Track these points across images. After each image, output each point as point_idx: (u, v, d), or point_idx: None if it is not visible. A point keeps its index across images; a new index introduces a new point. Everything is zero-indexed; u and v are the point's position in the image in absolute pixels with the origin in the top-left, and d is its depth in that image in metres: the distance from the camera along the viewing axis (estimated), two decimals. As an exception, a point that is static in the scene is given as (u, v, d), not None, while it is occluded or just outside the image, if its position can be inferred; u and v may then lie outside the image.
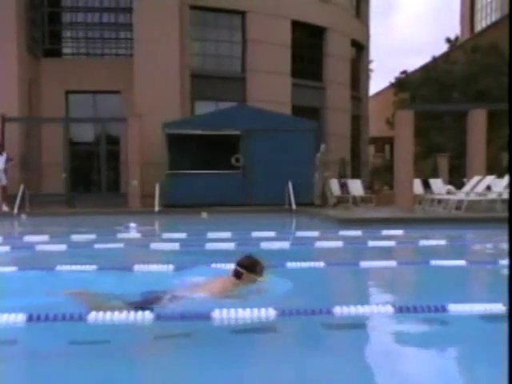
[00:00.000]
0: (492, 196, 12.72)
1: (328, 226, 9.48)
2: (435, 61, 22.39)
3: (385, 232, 8.06)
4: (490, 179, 13.95)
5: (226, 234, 7.88)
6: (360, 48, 28.48)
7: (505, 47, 23.39)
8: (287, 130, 16.35)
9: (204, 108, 21.97)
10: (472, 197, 13.24)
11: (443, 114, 20.24)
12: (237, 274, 3.92)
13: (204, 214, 13.95)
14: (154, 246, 7.06)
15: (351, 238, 7.55)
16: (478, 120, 16.56)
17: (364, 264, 5.16)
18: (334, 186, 18.02)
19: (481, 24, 40.12)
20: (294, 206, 14.29)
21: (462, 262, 5.25)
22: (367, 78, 30.11)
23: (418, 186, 18.01)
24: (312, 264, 5.09)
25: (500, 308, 3.13)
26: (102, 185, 17.54)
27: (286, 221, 11.45)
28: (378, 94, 39.65)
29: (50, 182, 19.34)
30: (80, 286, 4.01)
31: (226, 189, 16.20)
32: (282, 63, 23.96)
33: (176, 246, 6.80)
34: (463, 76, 20.15)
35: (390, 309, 3.33)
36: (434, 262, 5.10)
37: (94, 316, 3.13)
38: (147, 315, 3.15)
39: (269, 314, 3.18)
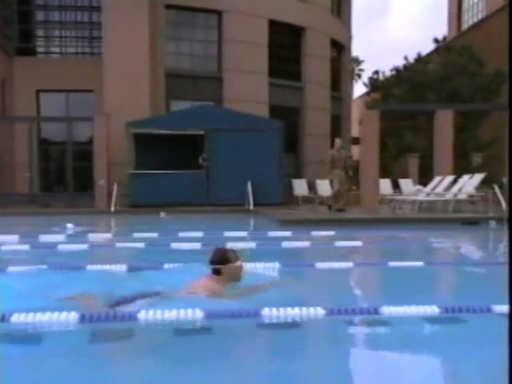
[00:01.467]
0: (449, 197, 12.63)
1: (267, 226, 9.40)
2: (407, 61, 22.33)
3: (314, 233, 7.99)
4: (449, 179, 13.87)
5: (154, 234, 7.81)
6: (341, 48, 28.38)
7: (478, 48, 23.34)
8: (251, 129, 16.28)
9: (180, 108, 21.89)
10: (431, 197, 13.17)
11: (414, 114, 20.16)
12: (215, 272, 3.87)
13: (162, 214, 13.88)
14: (61, 247, 6.87)
15: (274, 238, 7.48)
16: (445, 120, 16.47)
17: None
18: (302, 185, 17.96)
19: (468, 24, 40.04)
20: (251, 207, 14.21)
21: (349, 264, 5.15)
22: (349, 77, 30.03)
23: (387, 186, 17.96)
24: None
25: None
26: (69, 185, 17.46)
27: (229, 221, 11.38)
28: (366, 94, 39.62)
29: (21, 182, 19.28)
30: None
31: (190, 189, 16.13)
32: (259, 63, 23.88)
33: (85, 247, 6.71)
34: (436, 76, 20.08)
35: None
36: (320, 265, 5.01)
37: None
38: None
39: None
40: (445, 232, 9.20)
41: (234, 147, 16.15)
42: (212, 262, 3.88)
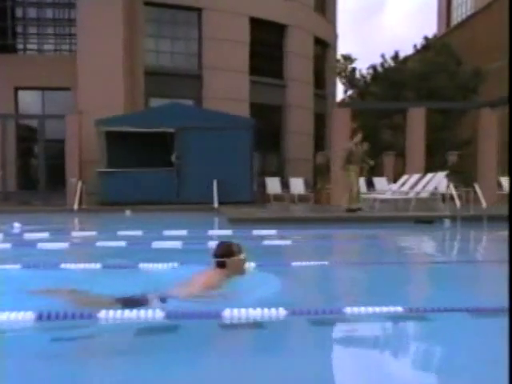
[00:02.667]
0: (411, 195, 12.58)
1: (216, 225, 9.34)
2: (384, 59, 22.24)
3: (256, 232, 7.93)
4: (416, 177, 13.80)
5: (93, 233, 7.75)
6: (325, 46, 28.28)
7: (458, 47, 23.26)
8: (222, 127, 16.20)
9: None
10: (396, 195, 13.11)
11: (390, 112, 20.09)
12: (220, 265, 3.92)
13: (128, 212, 13.83)
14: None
15: (210, 237, 7.43)
16: (417, 118, 16.40)
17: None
18: (275, 184, 17.91)
19: (457, 22, 39.93)
20: (215, 205, 14.15)
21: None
22: (334, 76, 29.90)
23: (361, 185, 17.88)
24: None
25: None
26: (42, 183, 17.42)
27: (183, 220, 11.30)
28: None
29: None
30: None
31: (160, 187, 16.08)
32: (240, 61, 23.82)
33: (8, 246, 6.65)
34: (414, 74, 20.01)
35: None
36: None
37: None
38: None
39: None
40: (393, 231, 9.14)
41: (205, 145, 16.09)
42: (216, 256, 3.94)
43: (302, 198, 17.14)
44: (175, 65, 23.48)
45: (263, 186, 17.89)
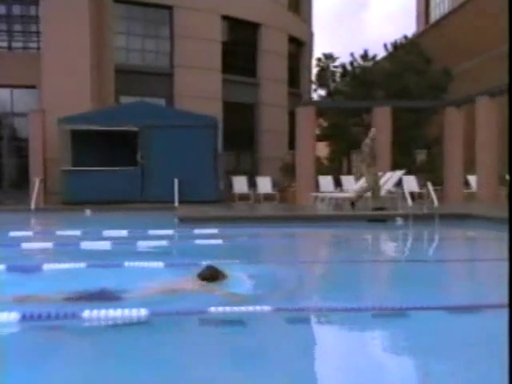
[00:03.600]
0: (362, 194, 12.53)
1: (165, 224, 9.22)
2: (353, 57, 22.23)
3: (197, 231, 7.84)
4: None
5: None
6: (300, 45, 28.22)
7: (428, 47, 23.32)
8: (186, 126, 16.08)
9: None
10: (346, 194, 13.11)
11: (360, 111, 20.07)
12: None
13: (88, 212, 13.67)
14: None
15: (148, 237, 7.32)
16: (382, 117, 16.40)
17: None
18: (242, 183, 17.81)
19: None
20: (176, 204, 14.03)
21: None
22: (310, 74, 29.86)
23: (329, 184, 17.87)
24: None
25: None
26: (4, 182, 17.18)
27: (134, 220, 11.18)
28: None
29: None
30: None
31: (125, 186, 15.92)
32: (212, 59, 23.67)
33: None
34: (383, 73, 20.00)
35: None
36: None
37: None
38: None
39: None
40: (340, 229, 9.09)
41: (169, 144, 15.95)
42: (201, 277, 4.06)
43: (268, 197, 17.06)
44: (146, 63, 23.29)
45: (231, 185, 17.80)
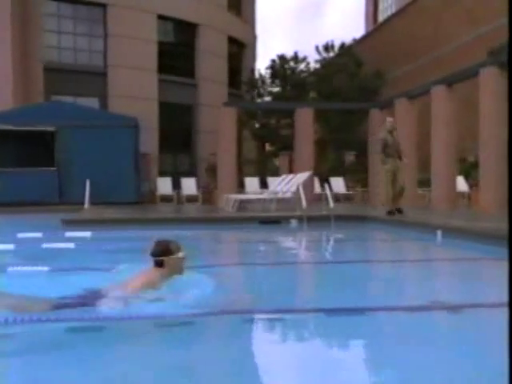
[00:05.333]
0: (264, 196, 12.53)
1: (49, 226, 8.95)
2: (281, 59, 22.28)
3: (69, 234, 7.60)
4: (290, 177, 13.76)
5: None
6: (242, 46, 28.15)
7: (363, 51, 23.59)
8: (105, 126, 15.78)
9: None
10: (249, 196, 13.09)
11: (291, 112, 20.11)
12: (158, 264, 3.81)
13: (-6, 214, 13.22)
14: None
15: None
16: (304, 119, 16.40)
17: None
18: (166, 184, 17.59)
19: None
20: (86, 206, 13.71)
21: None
22: (254, 76, 29.80)
23: (254, 184, 17.79)
24: None
25: None
26: None
27: (27, 222, 10.86)
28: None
29: None
30: None
31: (41, 187, 15.49)
32: (147, 59, 23.39)
33: None
34: (314, 75, 20.09)
35: None
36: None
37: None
38: None
39: None
40: (229, 231, 9.00)
41: (87, 144, 15.61)
42: (153, 255, 3.82)
43: (191, 199, 16.89)
44: (79, 62, 22.84)
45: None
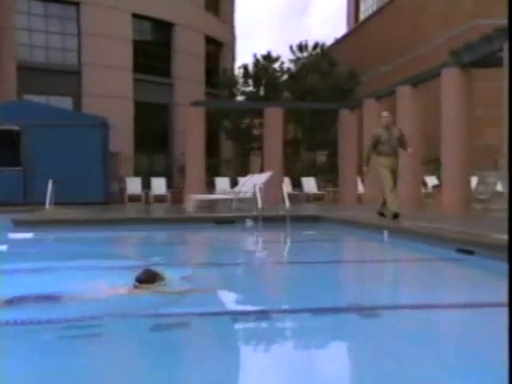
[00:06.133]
0: (225, 196, 12.49)
1: (1, 227, 8.84)
2: (255, 58, 22.26)
3: (12, 235, 7.51)
4: (254, 177, 13.72)
5: None
6: (219, 46, 28.04)
7: (338, 51, 23.62)
8: (71, 125, 15.64)
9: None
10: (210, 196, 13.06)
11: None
12: (136, 287, 4.06)
13: None
14: None
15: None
16: (273, 118, 16.37)
17: None
18: (136, 184, 17.49)
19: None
20: (47, 206, 13.56)
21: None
22: (233, 75, 29.71)
23: (224, 184, 17.75)
24: None
25: None
26: None
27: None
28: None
29: None
30: None
31: (6, 187, 15.33)
32: (122, 58, 23.22)
33: None
34: (287, 74, 20.08)
35: None
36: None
37: None
38: None
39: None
40: (175, 232, 8.93)
41: (53, 144, 15.47)
42: (138, 280, 4.08)
43: (160, 199, 16.80)
44: (52, 60, 22.63)
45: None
